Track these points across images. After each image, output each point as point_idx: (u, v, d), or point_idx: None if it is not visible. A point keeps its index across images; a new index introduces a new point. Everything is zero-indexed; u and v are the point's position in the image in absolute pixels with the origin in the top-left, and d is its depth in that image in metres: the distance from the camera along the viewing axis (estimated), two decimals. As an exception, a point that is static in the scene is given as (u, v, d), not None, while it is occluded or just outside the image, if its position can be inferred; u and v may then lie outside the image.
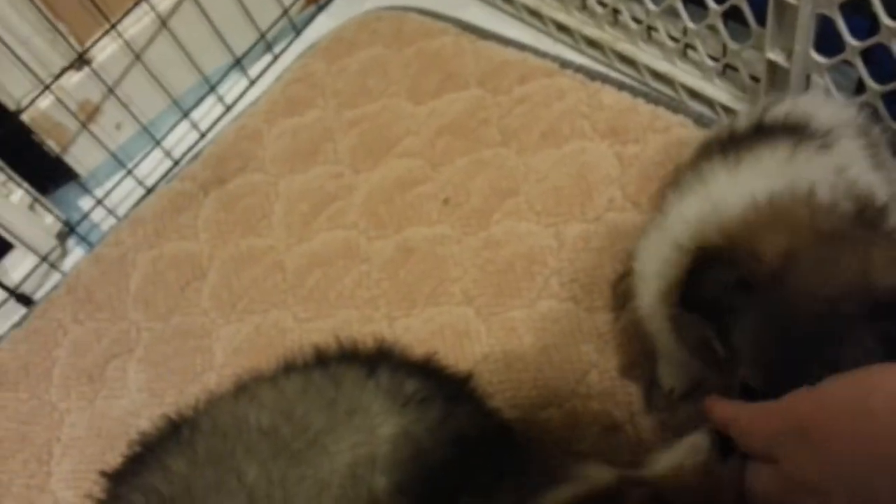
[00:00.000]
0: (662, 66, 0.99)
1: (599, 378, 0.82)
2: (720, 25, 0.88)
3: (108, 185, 1.18)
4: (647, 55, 1.00)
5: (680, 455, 0.51)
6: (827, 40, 0.80)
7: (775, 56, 0.82)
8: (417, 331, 0.91)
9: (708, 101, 0.95)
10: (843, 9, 0.75)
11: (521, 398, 0.83)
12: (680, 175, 0.68)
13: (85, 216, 1.16)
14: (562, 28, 1.10)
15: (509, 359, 0.87)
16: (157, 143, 1.18)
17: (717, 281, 0.52)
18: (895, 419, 0.23)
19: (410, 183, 1.04)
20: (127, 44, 1.10)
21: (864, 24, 0.76)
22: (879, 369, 0.28)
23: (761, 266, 0.52)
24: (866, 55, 0.77)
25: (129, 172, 1.16)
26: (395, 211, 1.02)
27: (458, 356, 0.88)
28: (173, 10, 1.15)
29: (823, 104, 0.71)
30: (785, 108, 0.67)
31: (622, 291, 0.85)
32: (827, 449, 0.27)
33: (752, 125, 0.67)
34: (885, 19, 0.71)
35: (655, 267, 0.63)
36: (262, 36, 1.24)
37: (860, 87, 0.80)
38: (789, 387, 0.44)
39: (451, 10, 1.21)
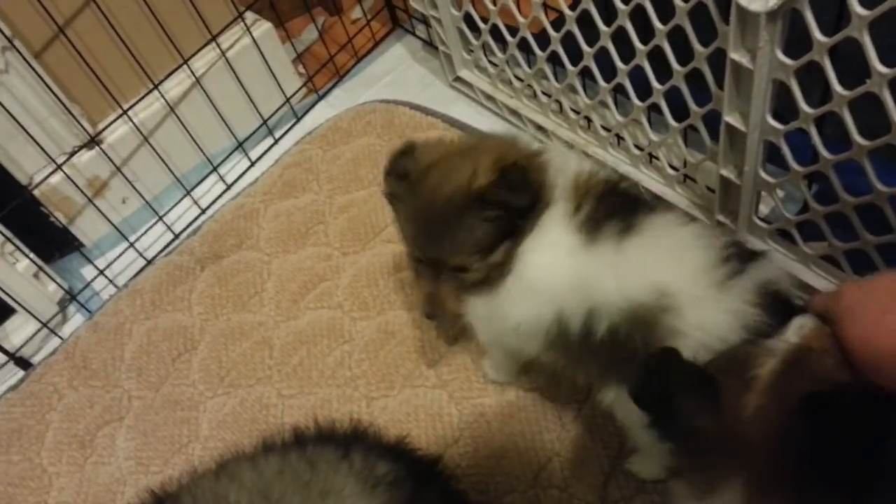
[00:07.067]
0: (629, 170, 1.07)
1: (560, 467, 0.87)
2: (680, 140, 0.96)
3: (111, 255, 1.25)
4: (616, 160, 1.08)
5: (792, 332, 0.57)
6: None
7: (727, 173, 0.90)
8: (394, 411, 0.97)
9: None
10: (790, 134, 0.82)
11: (486, 483, 0.88)
12: None
13: (87, 285, 1.23)
14: (539, 128, 1.18)
15: (478, 443, 0.92)
16: (160, 218, 1.25)
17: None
18: None
19: (394, 268, 1.11)
20: (136, 127, 1.18)
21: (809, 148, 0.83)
22: None
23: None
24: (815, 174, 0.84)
25: (132, 245, 1.23)
26: (379, 294, 1.09)
27: (430, 438, 0.94)
28: (182, 97, 1.23)
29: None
30: None
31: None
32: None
33: None
34: (822, 151, 0.79)
35: None
36: (264, 122, 1.33)
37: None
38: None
39: (439, 106, 1.30)
